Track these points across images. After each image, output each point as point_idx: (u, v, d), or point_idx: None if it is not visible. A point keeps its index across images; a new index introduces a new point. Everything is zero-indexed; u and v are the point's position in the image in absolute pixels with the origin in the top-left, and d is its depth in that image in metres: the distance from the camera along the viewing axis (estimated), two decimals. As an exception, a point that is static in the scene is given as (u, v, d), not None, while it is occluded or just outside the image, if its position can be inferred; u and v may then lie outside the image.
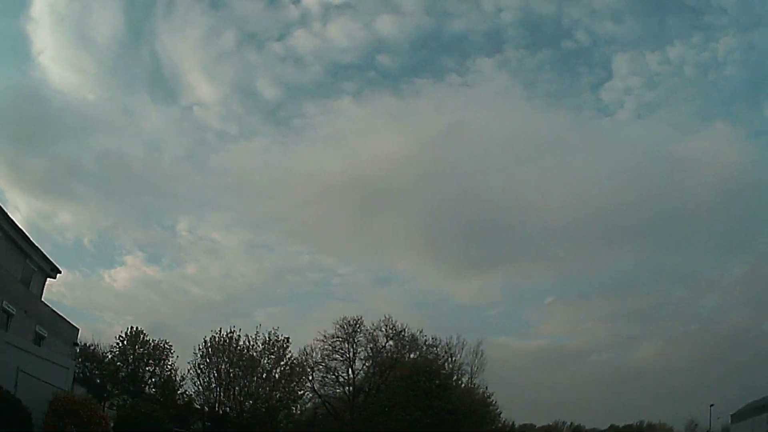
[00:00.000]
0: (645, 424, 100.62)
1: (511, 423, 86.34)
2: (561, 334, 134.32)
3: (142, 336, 56.33)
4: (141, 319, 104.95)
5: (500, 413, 74.85)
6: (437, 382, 55.95)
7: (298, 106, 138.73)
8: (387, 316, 62.31)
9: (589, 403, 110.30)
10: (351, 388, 61.11)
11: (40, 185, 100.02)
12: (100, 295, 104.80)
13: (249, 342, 54.25)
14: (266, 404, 52.46)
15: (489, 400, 70.90)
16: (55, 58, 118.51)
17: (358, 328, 61.61)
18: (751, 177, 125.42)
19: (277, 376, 53.89)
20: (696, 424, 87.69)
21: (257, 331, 54.49)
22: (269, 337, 54.07)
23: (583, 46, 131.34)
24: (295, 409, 56.51)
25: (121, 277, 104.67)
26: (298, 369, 54.97)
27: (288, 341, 54.39)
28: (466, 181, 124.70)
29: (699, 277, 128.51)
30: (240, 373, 53.76)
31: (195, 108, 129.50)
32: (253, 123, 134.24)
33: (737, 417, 72.79)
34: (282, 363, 54.04)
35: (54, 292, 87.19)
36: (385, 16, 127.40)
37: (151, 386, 55.59)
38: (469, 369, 74.16)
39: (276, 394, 53.20)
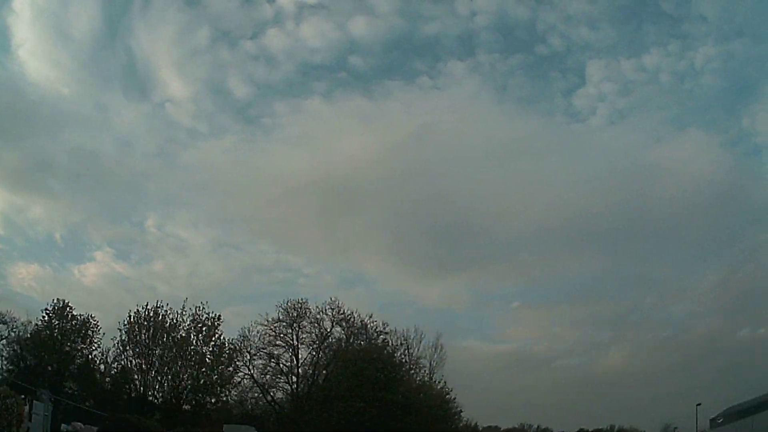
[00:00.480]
0: (616, 428, 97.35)
1: (473, 424, 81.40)
2: (528, 339, 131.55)
3: (68, 309, 50.39)
4: (108, 315, 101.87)
5: (460, 411, 69.41)
6: (386, 371, 49.79)
7: (268, 105, 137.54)
8: (333, 299, 56.17)
9: (556, 408, 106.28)
10: (295, 378, 54.75)
11: (14, 178, 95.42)
12: (69, 290, 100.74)
13: (177, 320, 48.16)
14: (195, 391, 46.37)
15: (447, 397, 65.52)
16: (34, 52, 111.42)
17: (304, 312, 55.29)
18: (726, 185, 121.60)
19: (208, 359, 47.67)
20: (675, 428, 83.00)
21: (183, 305, 48.36)
22: (196, 311, 47.92)
23: (556, 51, 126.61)
24: (224, 395, 49.33)
25: (90, 272, 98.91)
26: (228, 351, 48.55)
27: (219, 319, 48.31)
28: (435, 184, 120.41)
29: (670, 284, 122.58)
30: (171, 354, 47.59)
31: (167, 105, 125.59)
32: (223, 121, 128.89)
33: (717, 422, 68.44)
34: (211, 343, 47.82)
35: (25, 286, 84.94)
36: (358, 18, 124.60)
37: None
38: (428, 364, 69.05)
39: (206, 380, 47.00)
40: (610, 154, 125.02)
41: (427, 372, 68.72)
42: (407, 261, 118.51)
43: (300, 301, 55.36)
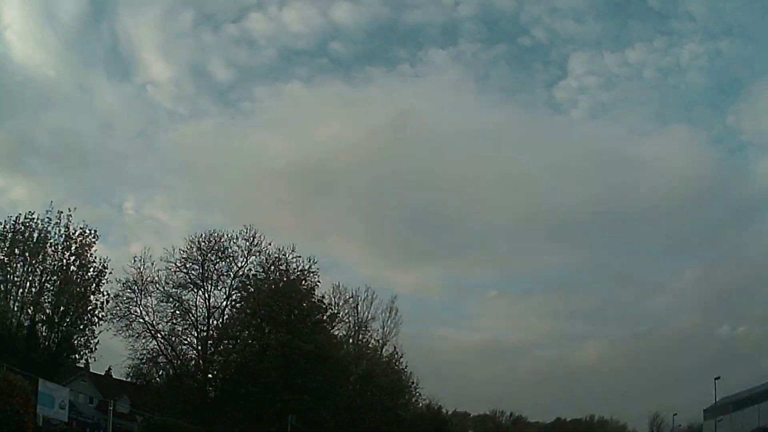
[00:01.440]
0: (596, 419, 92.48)
1: (437, 406, 71.89)
2: (503, 329, 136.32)
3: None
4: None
5: (416, 385, 59.64)
6: (296, 311, 39.60)
7: (248, 88, 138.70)
8: (247, 227, 45.05)
9: (530, 398, 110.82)
10: (205, 326, 44.16)
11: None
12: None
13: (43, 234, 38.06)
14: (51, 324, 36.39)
15: (399, 367, 55.95)
16: (21, 33, 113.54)
17: (221, 250, 44.62)
18: (709, 181, 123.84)
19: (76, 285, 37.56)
20: (680, 425, 74.15)
21: (48, 211, 38.58)
22: (59, 218, 37.96)
23: (539, 43, 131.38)
24: (89, 331, 38.89)
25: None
26: (97, 271, 38.20)
27: (95, 235, 38.30)
28: (413, 171, 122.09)
29: (648, 279, 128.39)
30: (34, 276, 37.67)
31: (148, 87, 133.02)
32: (203, 104, 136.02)
33: (712, 413, 59.23)
34: (78, 262, 37.79)
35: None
36: (342, 4, 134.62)
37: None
38: (381, 328, 59.51)
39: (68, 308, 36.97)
40: (591, 147, 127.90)
41: (379, 338, 59.40)
42: (383, 247, 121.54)
43: (213, 233, 45.16)
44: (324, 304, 44.96)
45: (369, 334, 57.25)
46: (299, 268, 43.44)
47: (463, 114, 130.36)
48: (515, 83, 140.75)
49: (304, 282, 42.76)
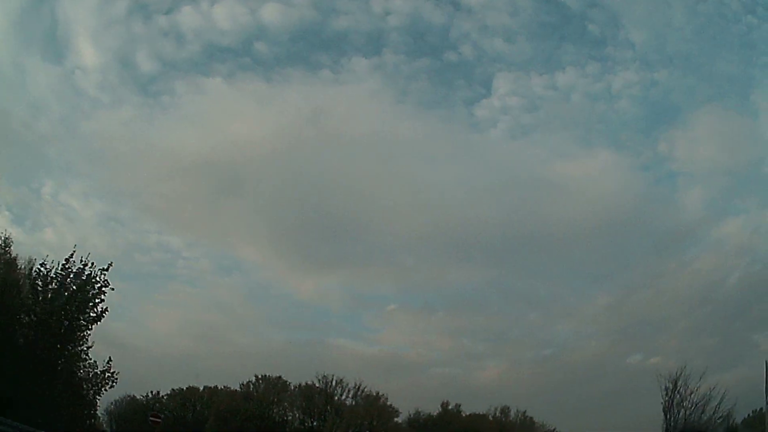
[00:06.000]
0: (512, 414, 79.91)
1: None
2: (401, 343, 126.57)
3: None
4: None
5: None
6: None
7: (169, 82, 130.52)
8: None
9: (422, 400, 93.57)
10: None
11: None
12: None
13: None
14: None
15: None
16: None
17: None
18: (632, 208, 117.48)
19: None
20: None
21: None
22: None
23: (466, 60, 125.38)
24: None
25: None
26: None
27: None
28: (319, 175, 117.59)
29: (557, 303, 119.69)
30: None
31: (77, 72, 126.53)
32: (124, 94, 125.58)
33: None
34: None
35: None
36: (271, 4, 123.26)
37: None
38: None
39: None
40: (508, 167, 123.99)
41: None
42: (284, 252, 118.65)
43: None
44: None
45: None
46: None
47: (378, 122, 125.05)
48: (435, 98, 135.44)
49: None
